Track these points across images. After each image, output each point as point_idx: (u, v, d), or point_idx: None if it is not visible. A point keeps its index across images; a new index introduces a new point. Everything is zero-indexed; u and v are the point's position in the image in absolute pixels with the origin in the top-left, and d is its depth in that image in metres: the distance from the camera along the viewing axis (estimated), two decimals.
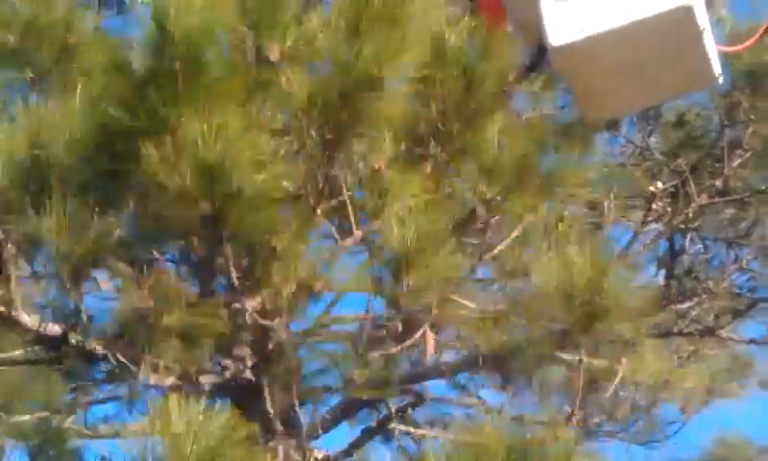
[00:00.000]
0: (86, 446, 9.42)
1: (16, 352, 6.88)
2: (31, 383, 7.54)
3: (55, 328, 6.55)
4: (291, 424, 8.13)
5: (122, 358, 6.67)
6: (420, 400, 8.15)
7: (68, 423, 8.50)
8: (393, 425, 9.55)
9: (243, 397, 8.55)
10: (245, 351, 8.63)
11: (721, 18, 6.79)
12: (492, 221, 6.75)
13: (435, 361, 9.33)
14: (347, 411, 8.49)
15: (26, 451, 8.69)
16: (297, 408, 8.36)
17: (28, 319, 6.37)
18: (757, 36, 5.60)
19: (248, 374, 8.50)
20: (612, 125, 8.12)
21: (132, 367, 6.83)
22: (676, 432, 8.80)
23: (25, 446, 8.46)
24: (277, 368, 8.18)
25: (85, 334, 6.74)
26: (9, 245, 6.02)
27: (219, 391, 8.95)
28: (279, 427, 8.25)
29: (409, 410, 8.88)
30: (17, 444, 8.37)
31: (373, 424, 8.61)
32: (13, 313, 6.24)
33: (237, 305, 8.70)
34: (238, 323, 8.72)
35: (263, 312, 8.36)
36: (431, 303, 7.66)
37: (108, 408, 9.15)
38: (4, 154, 5.59)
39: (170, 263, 8.92)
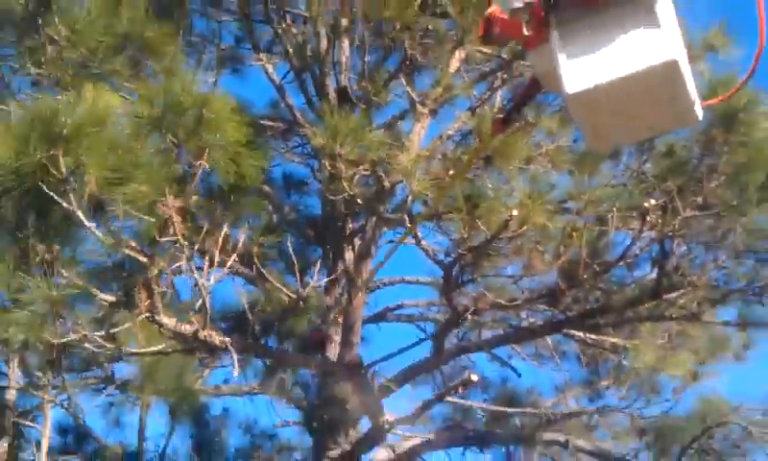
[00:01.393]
0: (212, 402, 9.52)
1: (160, 346, 7.00)
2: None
3: (187, 327, 6.65)
4: (362, 388, 8.16)
5: (234, 350, 6.77)
6: (469, 382, 8.09)
7: (198, 384, 8.56)
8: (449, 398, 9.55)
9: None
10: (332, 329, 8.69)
11: (701, 71, 6.75)
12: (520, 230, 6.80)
13: (477, 338, 9.32)
14: (408, 376, 8.48)
15: (167, 406, 8.76)
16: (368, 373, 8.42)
17: (168, 321, 6.49)
18: (729, 93, 5.49)
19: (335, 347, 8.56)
20: (615, 154, 8.06)
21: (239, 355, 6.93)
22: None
23: (166, 402, 8.52)
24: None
25: (211, 330, 6.84)
26: (153, 267, 6.17)
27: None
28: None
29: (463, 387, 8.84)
30: (160, 401, 8.43)
31: (432, 398, 8.58)
32: (157, 317, 6.36)
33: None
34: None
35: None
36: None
37: (228, 372, 9.24)
38: None
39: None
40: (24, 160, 5.47)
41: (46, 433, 8.67)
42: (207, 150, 5.82)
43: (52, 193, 5.51)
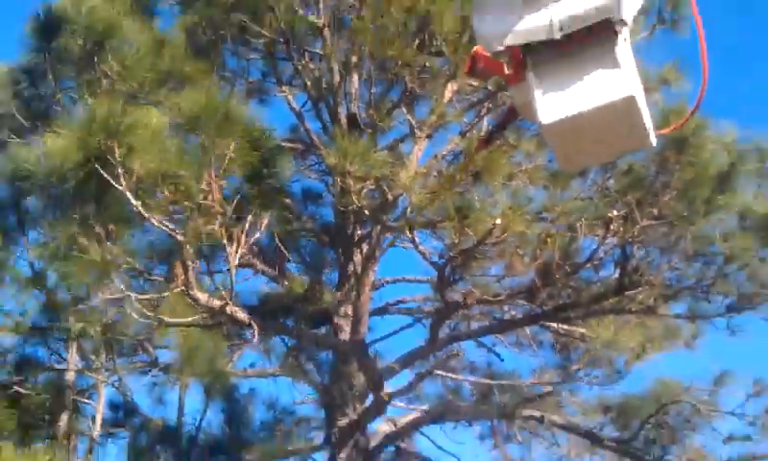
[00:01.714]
0: (240, 382, 9.54)
1: (192, 318, 7.03)
2: (204, 342, 7.62)
3: (216, 302, 6.67)
4: (367, 368, 8.19)
5: (255, 324, 6.81)
6: (456, 355, 8.15)
7: (228, 367, 8.58)
8: (439, 372, 9.59)
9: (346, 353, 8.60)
10: (342, 320, 8.69)
11: (656, 101, 6.79)
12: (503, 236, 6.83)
13: (466, 328, 9.34)
14: (408, 361, 8.51)
15: (202, 386, 8.77)
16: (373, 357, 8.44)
17: (201, 296, 6.52)
18: (680, 122, 5.52)
19: (345, 336, 8.57)
20: (583, 173, 8.08)
21: (260, 331, 6.98)
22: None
23: (201, 383, 8.55)
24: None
25: (236, 307, 6.88)
26: (188, 246, 6.23)
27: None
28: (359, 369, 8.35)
29: (449, 362, 8.88)
30: (197, 381, 8.45)
31: (425, 371, 8.61)
32: (191, 292, 6.39)
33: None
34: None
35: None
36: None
37: (254, 357, 9.26)
38: None
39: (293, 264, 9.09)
40: (85, 149, 5.59)
41: (100, 409, 8.70)
42: (233, 143, 5.94)
43: (108, 177, 5.62)
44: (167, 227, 6.18)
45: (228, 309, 6.76)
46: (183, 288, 6.40)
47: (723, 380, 9.23)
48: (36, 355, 8.16)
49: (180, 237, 6.14)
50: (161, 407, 9.28)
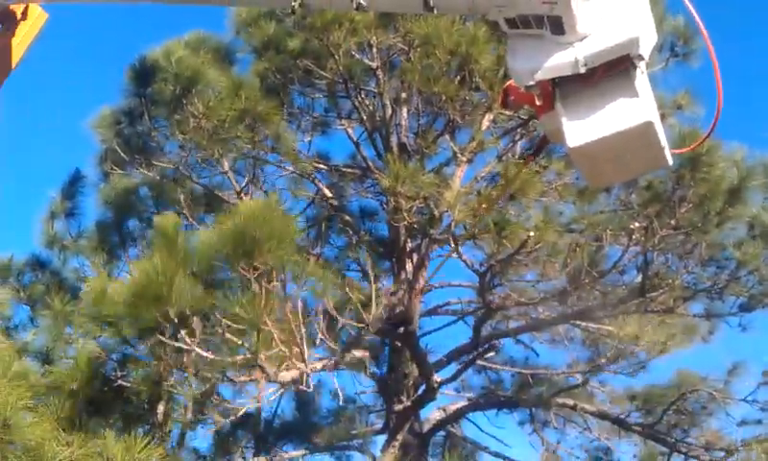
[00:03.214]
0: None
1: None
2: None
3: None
4: (419, 362, 8.15)
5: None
6: (495, 349, 8.07)
7: None
8: (481, 363, 9.48)
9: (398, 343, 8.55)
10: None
11: (671, 125, 6.66)
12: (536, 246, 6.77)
13: (505, 327, 9.23)
14: (454, 356, 8.45)
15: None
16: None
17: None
18: (696, 143, 5.39)
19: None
20: (608, 189, 7.95)
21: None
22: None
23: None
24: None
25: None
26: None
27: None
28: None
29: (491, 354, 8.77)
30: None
31: (469, 359, 8.50)
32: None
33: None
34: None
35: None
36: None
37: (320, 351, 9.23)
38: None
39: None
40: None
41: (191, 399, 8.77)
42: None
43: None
44: None
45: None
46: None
47: (736, 371, 8.98)
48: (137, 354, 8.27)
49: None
50: (243, 396, 9.35)
